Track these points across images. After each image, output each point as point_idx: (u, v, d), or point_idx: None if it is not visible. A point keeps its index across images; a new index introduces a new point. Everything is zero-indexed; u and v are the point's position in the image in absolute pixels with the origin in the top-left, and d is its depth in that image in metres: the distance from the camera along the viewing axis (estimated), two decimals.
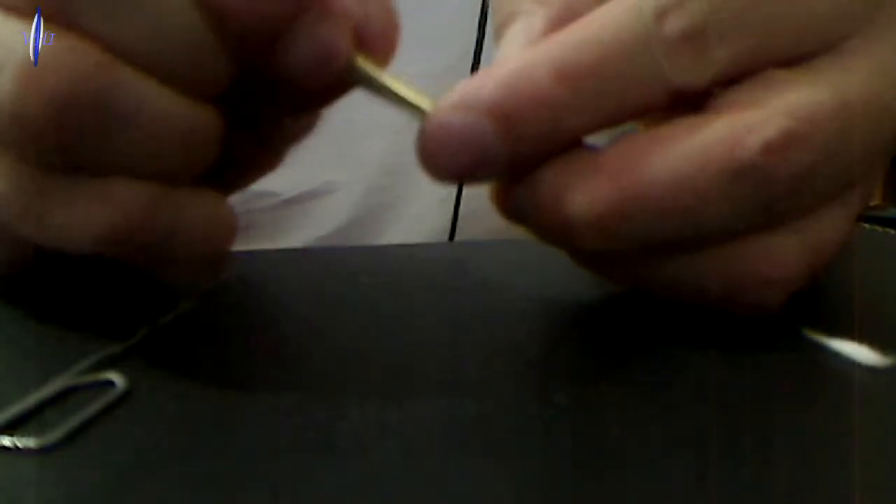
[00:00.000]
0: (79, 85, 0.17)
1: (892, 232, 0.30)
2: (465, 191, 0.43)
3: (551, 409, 0.17)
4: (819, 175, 0.19)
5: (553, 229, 0.20)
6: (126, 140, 0.18)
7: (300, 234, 0.44)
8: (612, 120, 0.19)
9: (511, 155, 0.19)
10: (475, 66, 0.41)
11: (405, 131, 0.43)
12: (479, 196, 0.44)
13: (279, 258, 0.29)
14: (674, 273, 0.20)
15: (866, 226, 0.30)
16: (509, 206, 0.21)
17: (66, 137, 0.17)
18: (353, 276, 0.25)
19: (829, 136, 0.18)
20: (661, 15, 0.18)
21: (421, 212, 0.44)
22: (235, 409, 0.17)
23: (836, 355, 0.19)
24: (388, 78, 0.20)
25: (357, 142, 0.44)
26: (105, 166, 0.18)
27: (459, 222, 0.43)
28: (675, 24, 0.18)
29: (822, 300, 0.22)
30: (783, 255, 0.20)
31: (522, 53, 0.19)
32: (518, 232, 0.21)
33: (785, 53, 0.19)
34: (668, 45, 0.18)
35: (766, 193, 0.18)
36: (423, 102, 0.19)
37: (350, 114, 0.44)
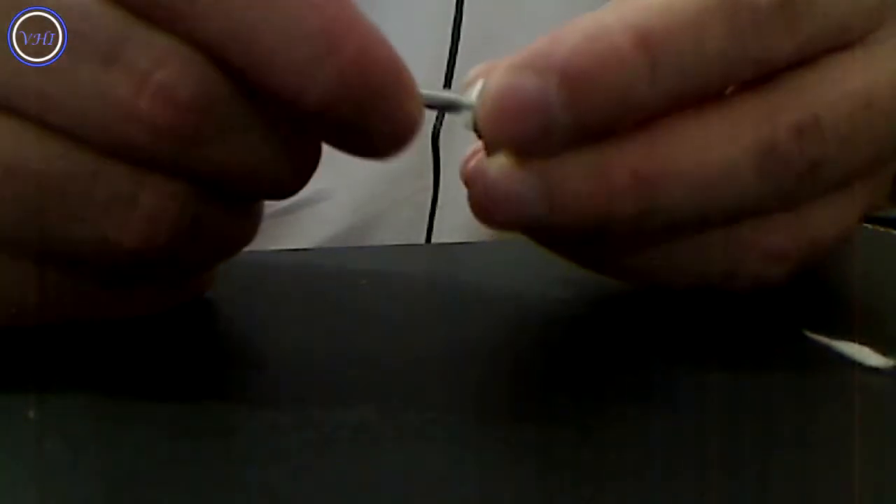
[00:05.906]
0: None
1: (893, 232, 0.30)
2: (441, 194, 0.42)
3: (550, 410, 0.17)
4: (838, 163, 0.19)
5: (591, 200, 0.18)
6: None
7: (293, 244, 0.43)
8: (685, 95, 0.18)
9: (575, 127, 0.17)
10: (448, 81, 0.40)
11: None
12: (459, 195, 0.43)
13: (277, 259, 0.29)
14: (676, 253, 0.20)
15: (867, 226, 0.30)
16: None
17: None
18: (352, 278, 0.25)
19: (852, 126, 0.18)
20: None
21: (413, 219, 0.43)
22: (234, 411, 0.17)
23: (838, 356, 0.19)
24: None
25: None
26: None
27: (437, 224, 0.42)
28: None
29: (823, 301, 0.22)
30: (783, 229, 0.20)
31: (598, 16, 0.17)
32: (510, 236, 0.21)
33: (838, 41, 0.19)
34: (760, 12, 0.17)
35: (788, 176, 0.18)
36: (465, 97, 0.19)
37: None
